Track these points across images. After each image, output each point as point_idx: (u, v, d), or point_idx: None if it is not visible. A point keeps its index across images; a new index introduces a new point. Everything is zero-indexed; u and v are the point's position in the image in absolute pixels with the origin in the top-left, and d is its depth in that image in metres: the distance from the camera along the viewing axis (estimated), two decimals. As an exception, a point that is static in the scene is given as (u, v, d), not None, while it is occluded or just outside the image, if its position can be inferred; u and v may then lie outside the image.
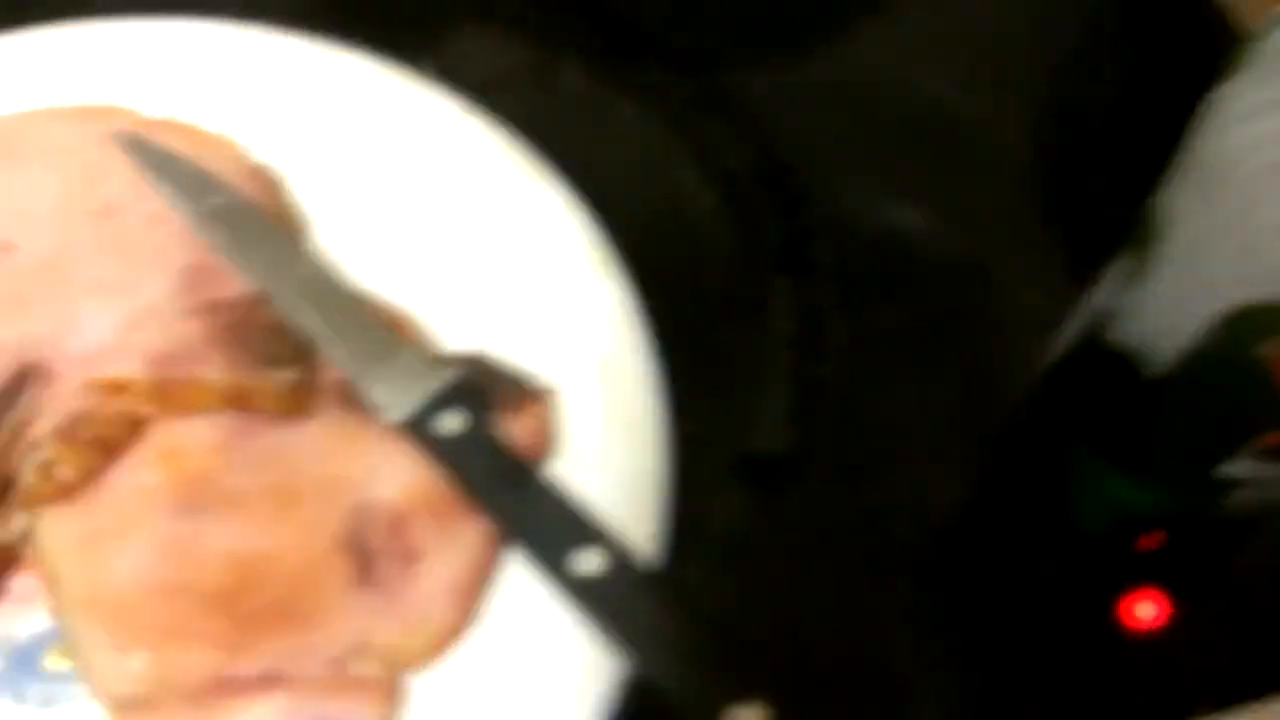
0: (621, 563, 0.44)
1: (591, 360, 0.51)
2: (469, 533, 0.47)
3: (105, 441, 0.47)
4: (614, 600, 0.43)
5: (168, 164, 0.53)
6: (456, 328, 0.52)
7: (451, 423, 0.47)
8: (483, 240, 0.55)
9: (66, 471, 0.47)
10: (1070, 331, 0.49)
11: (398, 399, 0.48)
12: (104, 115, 0.56)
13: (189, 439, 0.48)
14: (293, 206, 0.55)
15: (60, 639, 0.46)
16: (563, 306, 0.53)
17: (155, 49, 0.58)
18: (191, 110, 0.57)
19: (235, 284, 0.51)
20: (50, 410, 0.48)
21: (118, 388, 0.48)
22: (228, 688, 0.44)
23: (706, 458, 0.52)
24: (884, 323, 0.59)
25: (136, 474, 0.48)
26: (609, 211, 0.56)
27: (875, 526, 0.54)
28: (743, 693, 0.41)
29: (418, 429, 0.47)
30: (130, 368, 0.48)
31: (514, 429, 0.48)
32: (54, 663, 0.46)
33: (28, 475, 0.47)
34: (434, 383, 0.48)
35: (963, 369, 0.58)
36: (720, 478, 0.53)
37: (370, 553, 0.47)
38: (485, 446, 0.47)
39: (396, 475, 0.48)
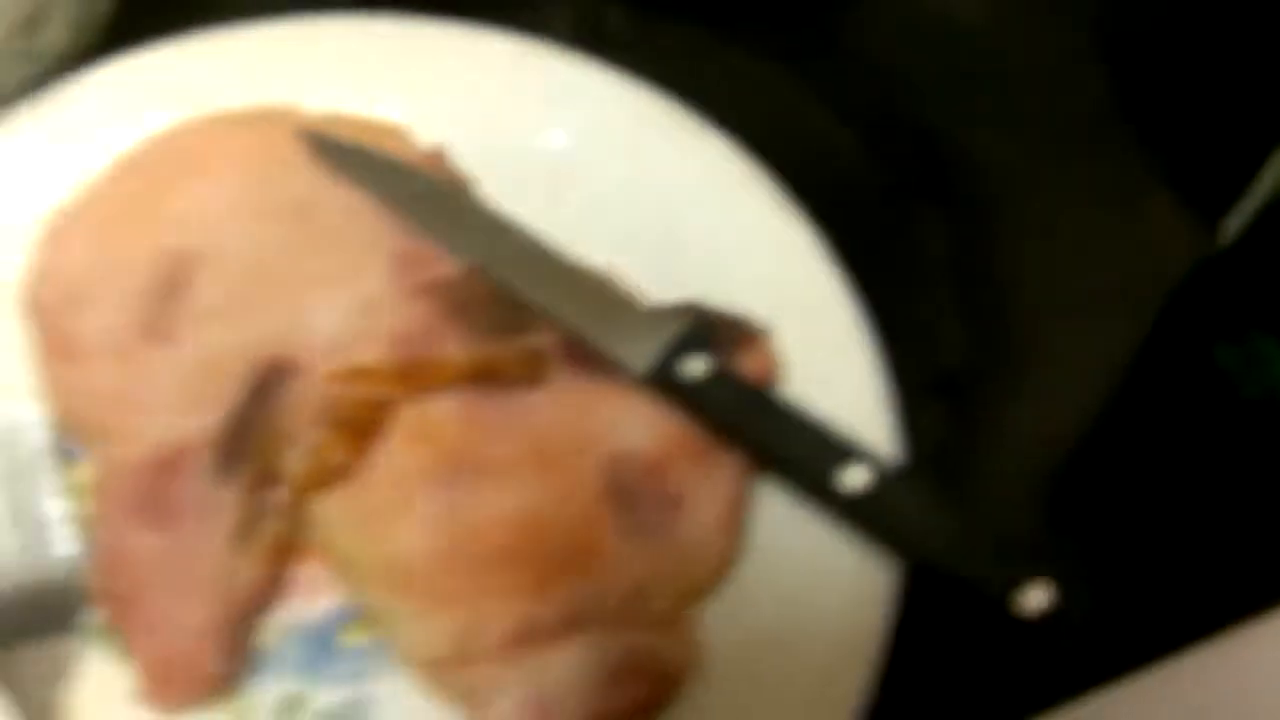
0: (886, 473, 0.47)
1: (794, 294, 0.54)
2: (722, 469, 0.50)
3: (362, 426, 0.49)
4: (888, 508, 0.46)
5: (360, 157, 0.55)
6: (654, 282, 0.55)
7: (693, 368, 0.49)
8: (659, 195, 0.57)
9: (335, 455, 0.49)
10: (1244, 214, 0.53)
11: (637, 353, 0.50)
12: (269, 117, 0.57)
13: (438, 415, 0.51)
14: (468, 183, 0.57)
15: (351, 616, 0.48)
16: (752, 247, 0.56)
17: (299, 46, 0.60)
18: (347, 102, 0.59)
19: (447, 262, 0.53)
20: (301, 403, 0.50)
21: (364, 374, 0.50)
22: (536, 635, 0.47)
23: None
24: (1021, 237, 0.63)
25: (397, 454, 0.50)
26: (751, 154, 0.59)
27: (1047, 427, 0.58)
28: (1029, 573, 0.44)
29: (661, 378, 0.50)
30: (372, 353, 0.50)
31: (744, 366, 0.51)
32: (350, 639, 0.48)
33: (297, 464, 0.49)
34: (667, 333, 0.50)
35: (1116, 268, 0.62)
36: (914, 397, 0.56)
37: (634, 500, 0.49)
38: (729, 385, 0.49)
39: (640, 425, 0.51)
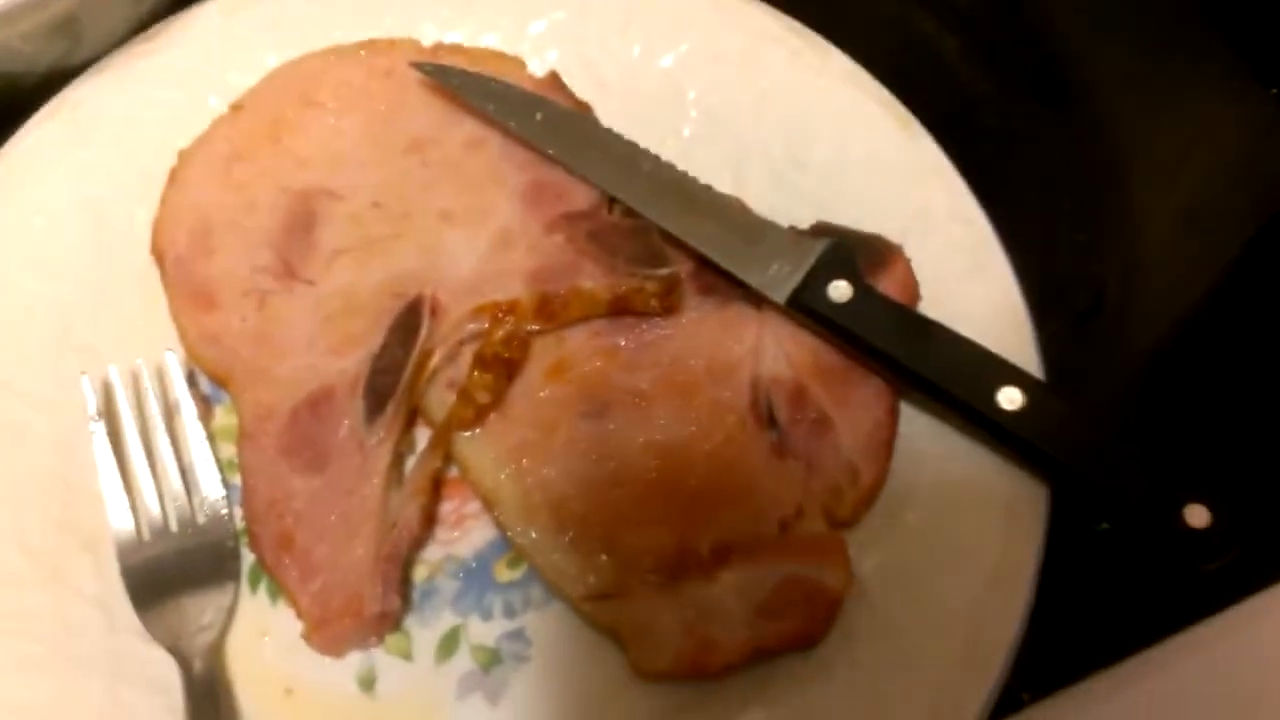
0: (1040, 392, 0.46)
1: (925, 211, 0.53)
2: (867, 391, 0.49)
3: (505, 362, 0.49)
4: (1045, 427, 0.46)
5: (481, 85, 0.54)
6: (778, 203, 0.54)
7: (838, 291, 0.49)
8: (780, 115, 0.56)
9: (483, 395, 0.48)
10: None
11: (779, 279, 0.49)
12: (385, 49, 0.56)
13: (576, 348, 0.50)
14: (584, 107, 0.56)
15: (507, 550, 0.48)
16: (879, 165, 0.54)
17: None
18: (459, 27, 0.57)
19: (579, 193, 0.53)
20: (443, 340, 0.49)
21: (507, 309, 0.49)
22: (689, 566, 0.46)
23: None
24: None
25: (537, 388, 0.49)
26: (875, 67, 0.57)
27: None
28: (1190, 490, 0.44)
29: (804, 303, 0.49)
30: (512, 289, 0.50)
31: (882, 286, 0.50)
32: (505, 573, 0.49)
33: (443, 404, 0.49)
34: (806, 258, 0.50)
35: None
36: (1037, 307, 0.55)
37: (780, 425, 0.49)
38: (876, 305, 0.49)
39: (781, 349, 0.50)
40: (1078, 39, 0.64)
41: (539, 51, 0.57)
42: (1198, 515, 0.44)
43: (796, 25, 0.57)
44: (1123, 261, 0.58)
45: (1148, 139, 0.62)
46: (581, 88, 0.56)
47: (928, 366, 0.47)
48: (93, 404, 0.48)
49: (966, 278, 0.52)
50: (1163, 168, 0.61)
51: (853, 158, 0.55)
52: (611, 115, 0.56)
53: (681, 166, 0.54)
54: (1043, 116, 0.61)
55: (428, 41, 0.57)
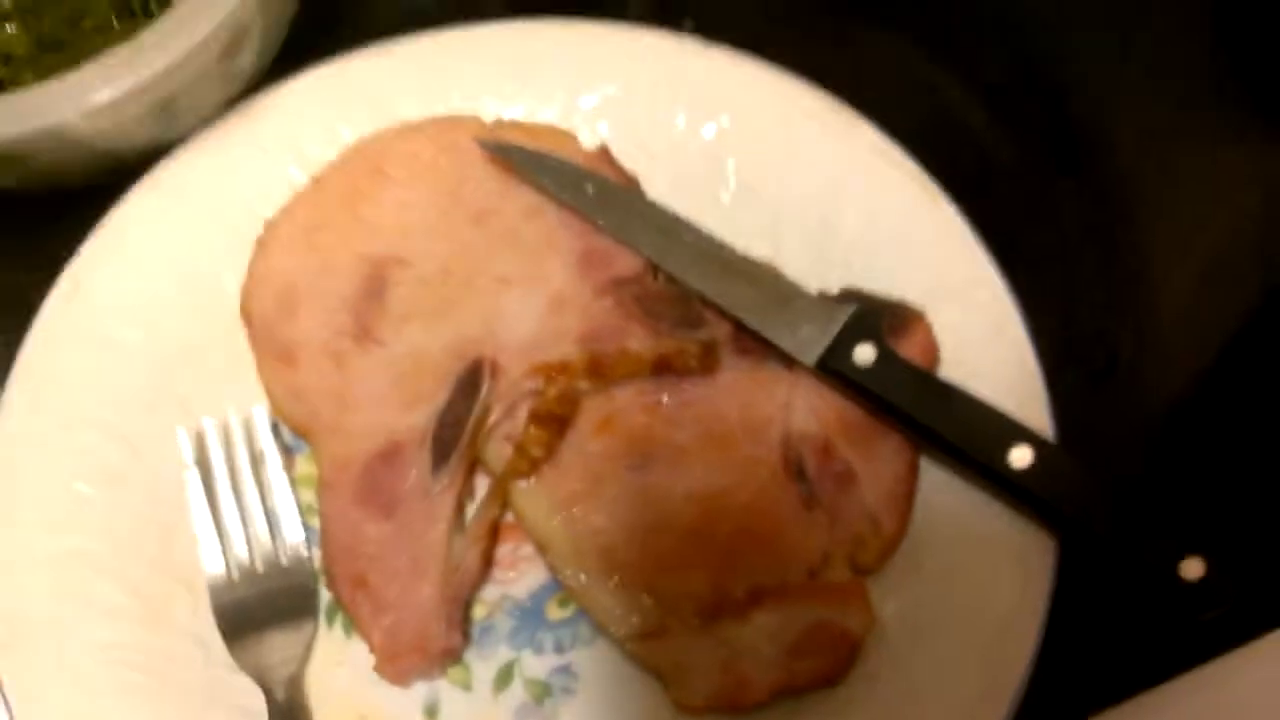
0: (1049, 451, 0.50)
1: (947, 278, 0.57)
2: (890, 448, 0.53)
3: (559, 418, 0.54)
4: (1053, 485, 0.50)
5: (537, 161, 0.58)
6: (810, 267, 0.58)
7: (863, 354, 0.53)
8: (813, 184, 0.60)
9: (538, 450, 0.53)
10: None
11: (808, 343, 0.54)
12: (451, 126, 0.61)
13: (623, 405, 0.55)
14: (634, 179, 0.61)
15: (558, 590, 0.53)
16: (905, 232, 0.58)
17: (468, 52, 0.63)
18: (518, 102, 0.62)
19: (626, 260, 0.57)
20: (502, 398, 0.54)
21: (560, 369, 0.54)
22: (724, 609, 0.51)
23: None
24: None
25: (586, 442, 0.54)
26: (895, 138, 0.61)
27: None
28: (1187, 544, 0.48)
29: (832, 366, 0.53)
30: (565, 350, 0.55)
31: (904, 349, 0.54)
32: (556, 612, 0.53)
33: (501, 456, 0.54)
34: (834, 323, 0.54)
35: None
36: (1053, 365, 0.59)
37: (809, 478, 0.53)
38: (898, 369, 0.53)
39: (810, 407, 0.54)
40: (1099, 104, 0.68)
41: (590, 123, 0.62)
42: (1194, 568, 0.48)
43: (829, 99, 0.61)
44: (1138, 321, 0.62)
45: (1166, 201, 0.65)
46: (630, 157, 0.61)
47: (945, 426, 0.51)
48: (188, 453, 0.53)
49: (984, 341, 0.56)
50: (1180, 229, 0.64)
51: (880, 226, 0.59)
52: (658, 182, 0.61)
53: (721, 230, 0.58)
54: (1063, 181, 0.65)
55: (489, 117, 0.61)
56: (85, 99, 0.53)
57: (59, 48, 0.61)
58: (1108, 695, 0.51)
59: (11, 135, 0.53)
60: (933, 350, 0.55)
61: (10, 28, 0.62)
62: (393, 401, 0.54)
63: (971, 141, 0.67)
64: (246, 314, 0.57)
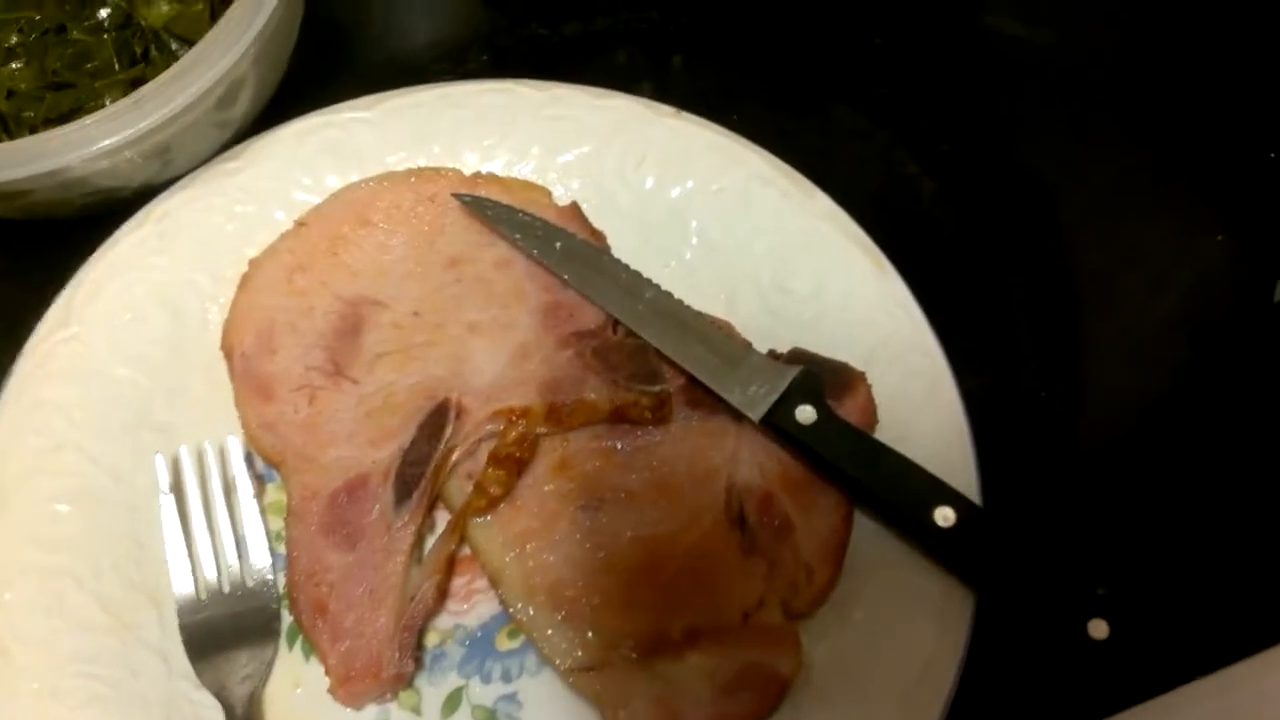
0: (971, 514, 0.54)
1: (889, 343, 0.60)
2: (826, 502, 0.57)
3: (517, 460, 0.57)
4: (972, 545, 0.53)
5: (510, 216, 0.62)
6: (763, 325, 0.62)
7: (805, 413, 0.56)
8: (768, 247, 0.64)
9: (496, 489, 0.56)
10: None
11: (754, 400, 0.57)
12: (431, 177, 0.65)
13: (577, 450, 0.58)
14: (601, 235, 0.64)
15: (508, 622, 0.56)
16: (852, 298, 0.62)
17: (450, 109, 0.67)
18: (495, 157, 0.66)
19: (589, 314, 0.61)
20: (465, 438, 0.58)
21: (520, 414, 0.57)
22: (662, 646, 0.54)
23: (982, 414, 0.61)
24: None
25: (543, 481, 0.57)
26: (848, 206, 0.65)
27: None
28: (1096, 606, 0.51)
29: (776, 422, 0.57)
30: (526, 397, 0.58)
31: (845, 409, 0.58)
32: (505, 642, 0.56)
33: (461, 493, 0.57)
34: (780, 382, 0.57)
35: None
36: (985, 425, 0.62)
37: (749, 527, 0.57)
38: (836, 429, 0.56)
39: (754, 460, 0.58)
40: (1048, 183, 0.72)
41: (565, 181, 0.66)
42: (1099, 628, 0.51)
43: (788, 168, 0.65)
44: (1069, 386, 0.66)
45: (1102, 275, 0.69)
46: (600, 213, 0.65)
47: (877, 485, 0.55)
48: (164, 480, 0.56)
49: (920, 404, 0.59)
50: (1113, 302, 0.69)
51: (829, 289, 0.62)
52: (624, 238, 0.64)
53: (681, 286, 0.62)
54: (1005, 252, 0.69)
55: (469, 169, 0.65)
56: (87, 146, 0.56)
57: (62, 87, 0.65)
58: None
59: (16, 177, 0.56)
60: (871, 411, 0.59)
61: (16, 65, 0.65)
62: (361, 437, 0.58)
63: (920, 211, 0.71)
64: (228, 349, 0.60)
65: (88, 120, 0.58)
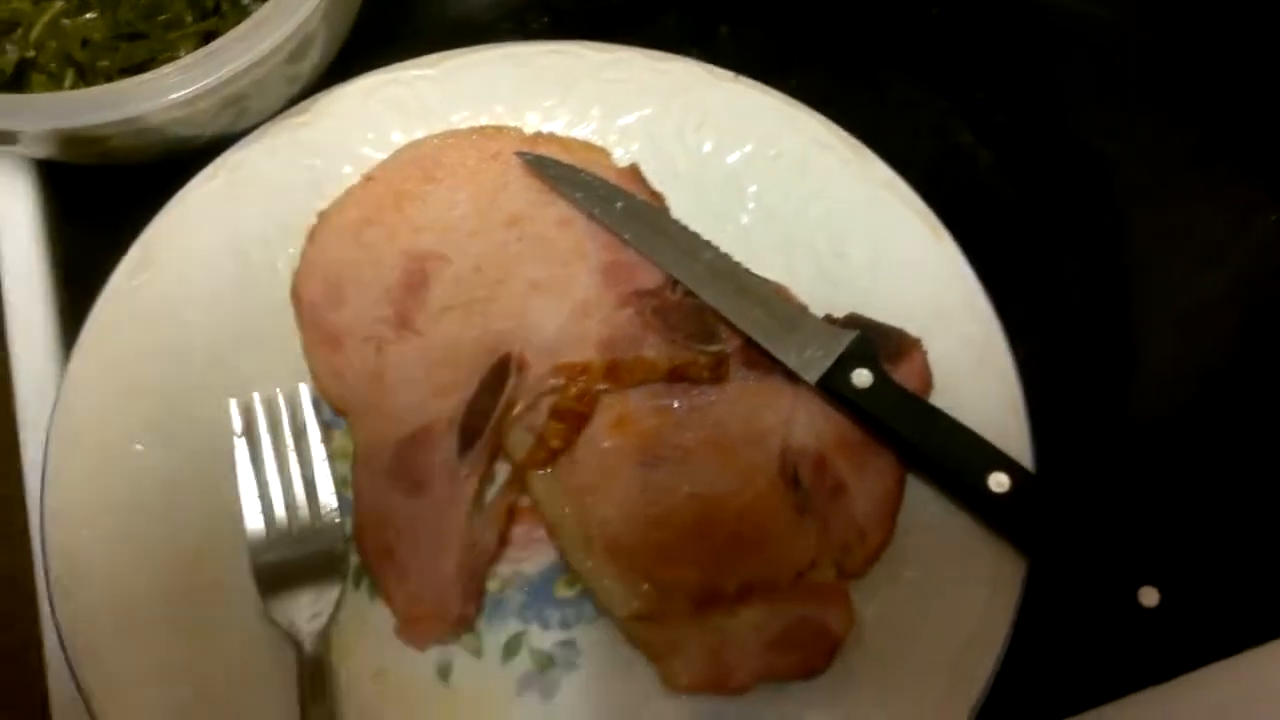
0: (1025, 480, 0.55)
1: (944, 309, 0.61)
2: (880, 464, 0.58)
3: (578, 415, 0.59)
4: (1026, 512, 0.54)
5: (571, 175, 0.63)
6: (818, 290, 0.63)
7: (860, 377, 0.57)
8: (825, 212, 0.64)
9: (554, 440, 0.58)
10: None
11: (811, 363, 0.58)
12: (494, 135, 0.66)
13: (636, 407, 0.59)
14: (661, 198, 0.65)
15: (566, 571, 0.58)
16: (908, 264, 0.63)
17: (514, 69, 0.67)
18: (557, 118, 0.67)
19: (649, 274, 0.62)
20: (526, 392, 0.59)
21: (581, 370, 0.59)
22: (715, 600, 0.56)
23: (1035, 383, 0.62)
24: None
25: (600, 439, 0.59)
26: (903, 175, 0.65)
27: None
28: (1145, 573, 0.52)
29: (831, 386, 0.58)
30: (586, 353, 0.59)
31: (901, 374, 0.59)
32: (563, 590, 0.58)
33: (522, 445, 0.58)
34: (837, 346, 0.58)
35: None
36: (1040, 395, 0.63)
37: (803, 487, 0.58)
38: (892, 393, 0.57)
39: (809, 422, 0.59)
40: (1103, 156, 0.72)
41: (624, 143, 0.67)
42: (1150, 596, 0.52)
43: (846, 135, 0.66)
44: (1121, 358, 0.67)
45: (1154, 251, 0.70)
46: (658, 176, 0.65)
47: (931, 449, 0.56)
48: (237, 423, 0.58)
49: (975, 371, 0.60)
50: (1164, 278, 0.69)
51: (886, 256, 0.63)
52: (682, 201, 0.65)
53: (739, 250, 0.63)
54: (1063, 225, 0.70)
55: (530, 129, 0.66)
56: (163, 95, 0.58)
57: (135, 37, 0.66)
58: (1069, 707, 0.56)
59: (95, 123, 0.58)
60: (926, 376, 0.59)
61: (90, 16, 0.67)
62: (426, 388, 0.59)
63: (975, 181, 0.71)
64: (296, 299, 0.62)
65: (163, 70, 0.59)
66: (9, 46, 0.65)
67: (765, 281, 0.62)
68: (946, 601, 0.56)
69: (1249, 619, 0.58)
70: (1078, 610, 0.56)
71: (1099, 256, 0.69)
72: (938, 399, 0.59)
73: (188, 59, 0.59)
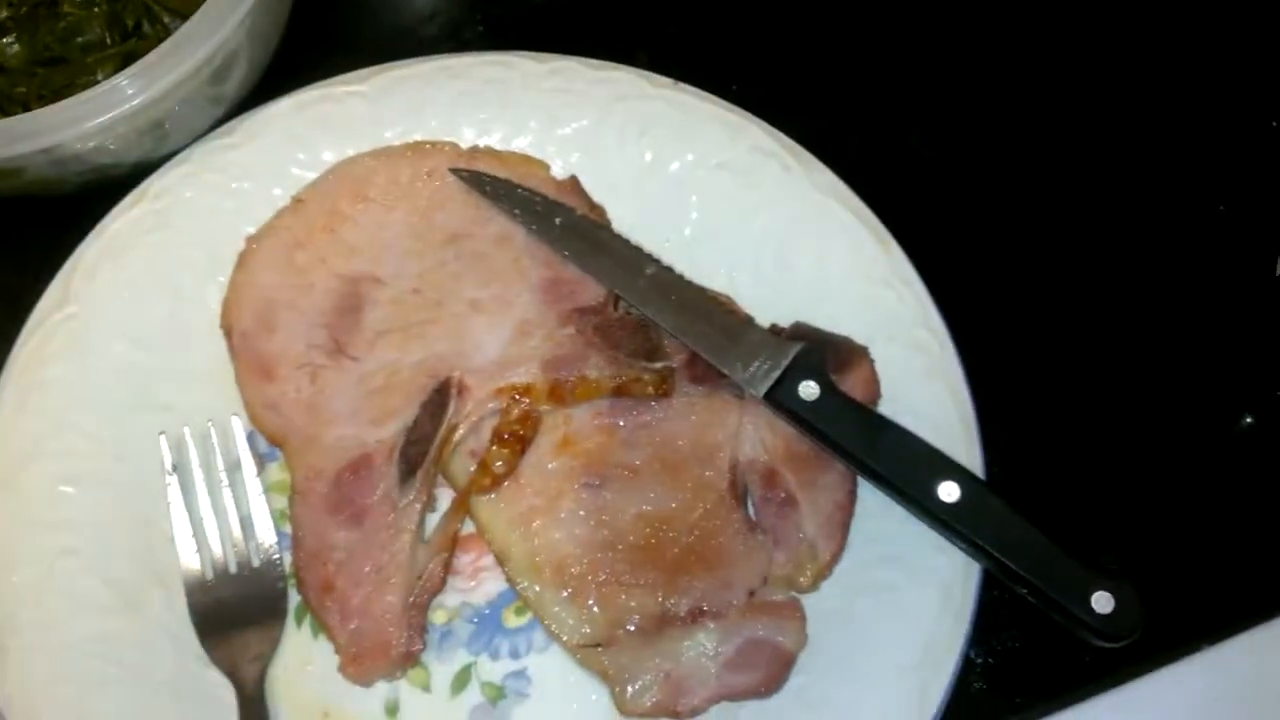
0: (976, 489, 0.54)
1: (891, 318, 0.60)
2: (829, 478, 0.57)
3: (521, 437, 0.57)
4: (977, 521, 0.53)
5: (509, 191, 0.62)
6: (764, 299, 0.62)
7: (808, 389, 0.56)
8: (770, 221, 0.63)
9: (500, 466, 0.56)
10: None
11: (758, 376, 0.57)
12: (429, 151, 0.64)
13: (580, 427, 0.58)
14: (601, 210, 0.64)
15: (514, 599, 0.56)
16: (853, 273, 0.62)
17: (447, 82, 0.66)
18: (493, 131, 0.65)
19: (590, 290, 0.61)
20: (468, 416, 0.58)
21: (523, 392, 0.57)
22: (668, 623, 0.54)
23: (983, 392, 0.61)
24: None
25: (546, 459, 0.57)
26: (849, 180, 0.64)
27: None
28: (1104, 576, 0.52)
29: (779, 398, 0.57)
30: (529, 374, 0.58)
31: (848, 384, 0.58)
32: (512, 619, 0.57)
33: (465, 471, 0.57)
34: (783, 358, 0.57)
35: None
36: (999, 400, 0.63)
37: (753, 504, 0.57)
38: (840, 404, 0.56)
39: (758, 436, 0.58)
40: (1051, 156, 0.72)
41: (563, 154, 0.65)
42: (1103, 602, 0.52)
43: (789, 141, 0.65)
44: (1072, 365, 0.66)
45: (1105, 249, 0.69)
46: (598, 188, 0.64)
47: (880, 461, 0.55)
48: (168, 459, 0.56)
49: (923, 378, 0.59)
50: (1115, 277, 0.68)
51: (831, 264, 0.62)
52: (623, 213, 0.64)
53: (682, 261, 0.62)
54: (1011, 228, 0.69)
55: (466, 144, 0.65)
56: (80, 123, 0.56)
57: (54, 62, 0.64)
58: (1029, 710, 0.56)
59: (9, 154, 0.56)
60: (874, 386, 0.59)
61: (7, 40, 0.64)
62: (363, 416, 0.57)
63: (922, 186, 0.70)
64: (226, 328, 0.60)
65: (81, 97, 0.57)
66: (-82, 76, 0.63)
67: (709, 293, 0.61)
68: (901, 614, 0.55)
69: (1203, 620, 0.58)
70: (1032, 617, 0.55)
71: (1048, 258, 0.69)
72: (886, 407, 0.58)
73: (105, 84, 0.57)
